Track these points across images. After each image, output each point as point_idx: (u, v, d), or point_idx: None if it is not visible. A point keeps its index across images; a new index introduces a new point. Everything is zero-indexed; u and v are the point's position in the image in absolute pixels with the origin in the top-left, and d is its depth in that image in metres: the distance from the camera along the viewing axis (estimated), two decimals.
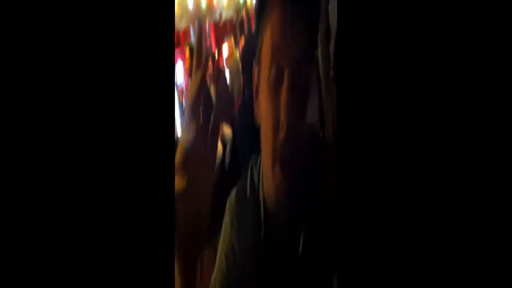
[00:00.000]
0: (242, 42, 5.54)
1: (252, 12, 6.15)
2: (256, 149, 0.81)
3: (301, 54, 0.69)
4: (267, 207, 0.74)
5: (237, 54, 5.40)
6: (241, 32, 5.81)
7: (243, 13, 5.85)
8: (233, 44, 5.61)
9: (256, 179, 0.77)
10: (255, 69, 0.74)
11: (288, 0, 0.70)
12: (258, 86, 0.73)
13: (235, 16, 6.05)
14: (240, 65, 5.20)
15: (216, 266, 0.81)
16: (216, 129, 0.67)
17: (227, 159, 4.07)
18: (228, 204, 0.83)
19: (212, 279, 0.81)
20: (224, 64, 5.47)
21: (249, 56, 5.23)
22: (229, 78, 5.32)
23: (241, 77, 5.08)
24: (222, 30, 5.93)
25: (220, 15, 5.37)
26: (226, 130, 4.29)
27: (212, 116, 0.68)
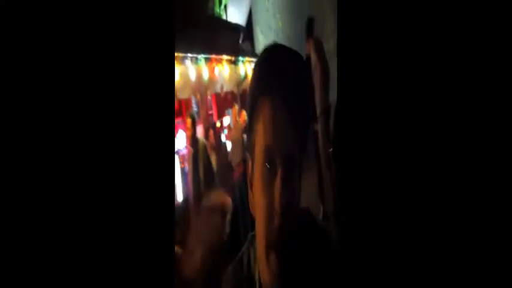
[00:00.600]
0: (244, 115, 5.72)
1: None
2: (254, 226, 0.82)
3: (294, 147, 0.70)
4: None
5: (239, 126, 5.43)
6: (243, 104, 5.97)
7: (246, 86, 6.05)
8: (236, 115, 5.70)
9: (253, 258, 0.78)
10: (249, 161, 0.75)
11: (278, 99, 0.70)
12: (252, 178, 0.74)
13: (236, 88, 6.22)
14: (245, 136, 5.26)
15: None
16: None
17: (227, 230, 4.01)
18: (223, 280, 0.83)
19: None
20: (225, 135, 5.54)
21: None
22: (231, 149, 5.38)
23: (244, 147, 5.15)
24: (223, 101, 6.05)
25: (222, 87, 5.49)
26: (227, 200, 4.26)
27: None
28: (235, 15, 8.75)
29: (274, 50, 0.76)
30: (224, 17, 7.86)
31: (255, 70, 0.76)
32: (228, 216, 4.22)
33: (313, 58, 3.85)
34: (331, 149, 3.35)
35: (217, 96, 5.83)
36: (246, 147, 4.97)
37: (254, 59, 6.89)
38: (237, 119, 5.58)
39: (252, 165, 0.73)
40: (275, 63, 0.73)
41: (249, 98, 0.75)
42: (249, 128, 0.75)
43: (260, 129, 0.71)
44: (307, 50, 3.99)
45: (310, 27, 4.00)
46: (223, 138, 5.30)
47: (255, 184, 0.72)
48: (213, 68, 5.16)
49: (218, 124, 5.41)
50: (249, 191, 0.75)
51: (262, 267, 0.73)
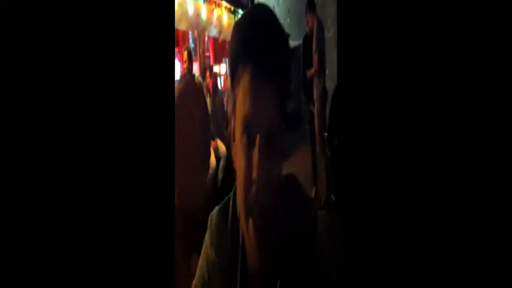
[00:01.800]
0: None
1: None
2: None
3: (273, 119, 0.69)
4: (244, 246, 0.75)
5: None
6: None
7: None
8: None
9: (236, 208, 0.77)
10: (231, 120, 0.74)
11: (257, 70, 0.69)
12: (233, 137, 0.73)
13: None
14: None
15: (197, 271, 0.82)
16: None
17: (220, 176, 4.02)
18: (210, 218, 0.83)
19: (193, 285, 0.82)
20: (222, 83, 5.47)
21: None
22: (227, 100, 5.32)
23: None
24: (221, 48, 5.96)
25: (220, 33, 5.41)
26: (220, 146, 4.25)
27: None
28: None
29: (257, 14, 0.74)
30: None
31: (235, 31, 0.74)
32: (222, 162, 4.25)
33: (314, 38, 3.75)
34: (326, 134, 3.33)
35: (214, 40, 5.74)
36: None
37: None
38: None
39: (233, 126, 0.73)
40: (256, 31, 0.71)
41: (229, 60, 0.73)
42: (231, 88, 0.74)
43: (240, 95, 0.71)
44: (308, 26, 3.88)
45: (312, 3, 3.86)
46: (219, 85, 5.21)
47: (235, 147, 0.72)
48: (212, 10, 5.13)
49: (215, 69, 5.32)
50: (232, 144, 0.75)
51: (242, 227, 0.73)
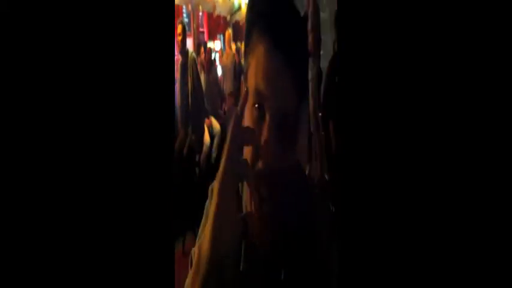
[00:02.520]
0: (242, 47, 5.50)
1: None
2: None
3: (287, 98, 0.67)
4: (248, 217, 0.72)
5: (232, 54, 5.36)
6: (235, 34, 5.75)
7: (238, 18, 5.85)
8: (229, 41, 5.52)
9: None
10: (243, 89, 0.71)
11: (273, 45, 0.67)
12: (242, 109, 0.69)
13: (228, 17, 6.11)
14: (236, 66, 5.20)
15: (197, 242, 0.78)
16: None
17: (214, 154, 3.96)
18: (210, 190, 0.79)
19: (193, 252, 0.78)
20: (217, 59, 5.41)
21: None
22: (222, 74, 5.28)
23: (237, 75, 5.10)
24: (215, 24, 5.89)
25: (214, 8, 5.30)
26: (215, 124, 4.19)
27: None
28: None
29: None
30: None
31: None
32: (216, 140, 4.19)
33: (309, 18, 3.64)
34: (320, 114, 3.32)
35: (209, 15, 5.65)
36: (239, 76, 5.07)
37: None
38: (231, 46, 5.41)
39: (245, 97, 0.69)
40: (271, 6, 0.70)
41: (246, 29, 0.70)
42: (244, 58, 0.72)
43: (252, 67, 0.69)
44: (306, 7, 3.77)
45: None
46: (214, 60, 5.14)
47: (244, 120, 0.69)
48: None
49: (209, 45, 5.22)
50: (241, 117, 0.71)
51: (246, 199, 0.72)
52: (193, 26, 4.81)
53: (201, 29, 5.43)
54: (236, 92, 5.10)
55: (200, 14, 5.32)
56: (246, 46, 0.71)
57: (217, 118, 4.36)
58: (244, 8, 6.21)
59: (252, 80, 0.68)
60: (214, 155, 3.88)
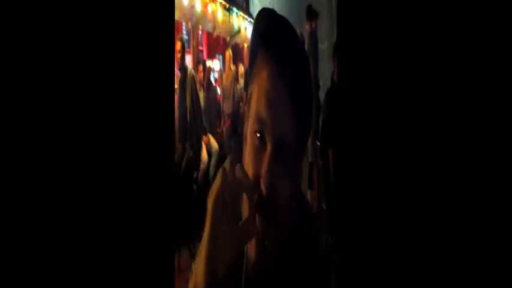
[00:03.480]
0: (242, 68, 5.56)
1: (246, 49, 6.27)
2: None
3: (288, 127, 0.65)
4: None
5: (232, 75, 5.38)
6: (235, 56, 5.81)
7: (238, 40, 5.87)
8: (229, 62, 5.55)
9: None
10: (245, 114, 0.72)
11: (275, 71, 0.66)
12: (245, 134, 0.70)
13: (228, 38, 6.18)
14: (242, 84, 5.23)
15: (198, 257, 0.76)
16: None
17: (211, 172, 3.90)
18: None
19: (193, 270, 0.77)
20: (217, 77, 5.43)
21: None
22: (221, 94, 5.30)
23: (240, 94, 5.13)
24: (215, 44, 5.94)
25: (214, 29, 5.35)
26: (213, 142, 4.15)
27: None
28: None
29: (276, 18, 0.71)
30: None
31: (257, 23, 0.72)
32: (214, 159, 4.15)
33: (307, 49, 3.70)
34: (319, 143, 3.35)
35: (208, 35, 5.69)
36: (238, 99, 5.08)
37: (248, 17, 6.85)
38: (231, 66, 5.43)
39: (246, 122, 0.70)
40: (277, 33, 0.70)
41: (250, 54, 0.71)
42: (249, 83, 0.71)
43: (255, 93, 0.67)
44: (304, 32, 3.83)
45: (311, 13, 3.79)
46: (212, 80, 5.16)
47: (246, 145, 0.69)
48: (207, 4, 5.04)
49: (209, 64, 5.24)
50: (243, 142, 0.71)
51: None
52: (192, 43, 4.85)
53: (200, 48, 5.46)
54: (235, 113, 5.12)
55: (200, 32, 5.35)
56: (250, 71, 0.71)
57: (215, 136, 4.33)
58: (243, 31, 6.30)
59: (254, 106, 0.67)
60: (211, 173, 3.83)
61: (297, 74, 0.67)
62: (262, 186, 0.65)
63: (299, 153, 0.67)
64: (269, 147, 0.65)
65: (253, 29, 0.73)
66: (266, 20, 0.71)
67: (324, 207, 3.47)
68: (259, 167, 0.65)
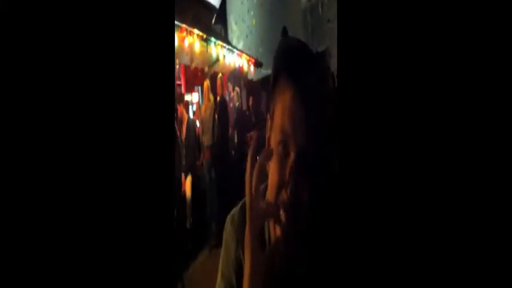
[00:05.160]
0: (217, 99, 5.53)
1: (225, 78, 6.26)
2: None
3: (309, 142, 0.70)
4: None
5: (210, 106, 5.36)
6: (214, 85, 5.77)
7: (217, 69, 5.86)
8: (207, 92, 5.49)
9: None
10: (268, 122, 0.77)
11: (298, 92, 0.71)
12: (269, 139, 0.76)
13: (206, 68, 6.19)
14: (216, 117, 5.22)
15: (220, 271, 0.86)
16: None
17: (189, 220, 3.86)
18: (231, 217, 0.87)
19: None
20: (195, 110, 5.42)
21: (224, 112, 5.27)
22: (200, 126, 5.27)
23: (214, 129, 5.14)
24: (193, 76, 5.93)
25: (192, 61, 5.36)
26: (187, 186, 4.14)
27: None
28: None
29: (292, 44, 0.78)
30: None
31: (276, 52, 0.78)
32: (189, 201, 4.08)
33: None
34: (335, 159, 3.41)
35: (186, 68, 5.69)
36: (223, 126, 5.06)
37: (226, 45, 6.96)
38: (209, 97, 5.40)
39: (269, 134, 0.76)
40: (299, 57, 0.75)
41: (272, 77, 0.76)
42: (271, 99, 0.77)
43: (279, 108, 0.73)
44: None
45: (285, 34, 3.84)
46: (191, 113, 5.13)
47: (272, 152, 0.73)
48: (183, 37, 5.07)
49: (187, 97, 5.23)
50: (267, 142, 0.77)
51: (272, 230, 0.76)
52: None
53: (178, 82, 5.43)
54: (215, 144, 5.09)
55: (177, 67, 5.33)
56: (272, 90, 0.76)
57: (195, 171, 4.29)
58: (222, 59, 6.30)
59: (278, 120, 0.72)
60: (189, 220, 3.79)
61: (316, 90, 0.72)
62: (286, 193, 0.69)
63: (322, 162, 0.70)
64: (292, 156, 0.70)
65: (274, 56, 0.78)
66: (283, 48, 0.77)
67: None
68: (283, 175, 0.70)
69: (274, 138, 0.73)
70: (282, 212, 0.71)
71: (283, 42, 0.79)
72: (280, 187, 0.71)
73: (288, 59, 0.76)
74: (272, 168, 0.73)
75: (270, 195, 0.74)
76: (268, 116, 0.79)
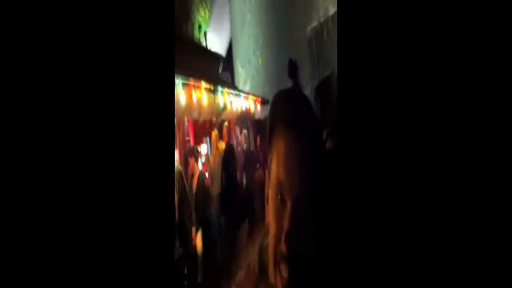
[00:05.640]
0: (223, 145, 5.60)
1: (232, 124, 6.29)
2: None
3: (302, 185, 0.72)
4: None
5: (219, 155, 5.41)
6: (221, 134, 5.90)
7: (224, 116, 5.93)
8: (215, 142, 5.58)
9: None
10: (267, 175, 0.79)
11: (292, 140, 0.74)
12: (267, 196, 0.78)
13: (214, 118, 6.19)
14: (222, 166, 5.26)
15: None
16: None
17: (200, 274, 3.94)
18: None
19: None
20: (204, 161, 5.53)
21: (231, 159, 5.29)
22: (209, 177, 5.35)
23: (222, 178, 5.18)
24: (201, 128, 5.96)
25: (200, 114, 5.42)
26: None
27: None
28: (215, 43, 8.82)
29: (292, 95, 0.81)
30: (204, 44, 7.85)
31: (274, 103, 0.81)
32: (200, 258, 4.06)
33: None
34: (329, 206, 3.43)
35: (194, 123, 5.78)
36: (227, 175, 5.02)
37: (233, 91, 6.53)
38: (218, 146, 5.51)
39: (267, 187, 0.77)
40: (293, 107, 0.78)
41: (268, 127, 0.79)
42: (268, 149, 0.79)
43: (275, 161, 0.75)
44: None
45: (292, 69, 4.02)
46: (200, 165, 5.28)
47: (269, 206, 0.76)
48: (191, 94, 5.03)
49: (196, 150, 5.39)
50: (265, 204, 0.79)
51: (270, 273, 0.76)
52: (178, 137, 4.94)
53: (187, 138, 5.53)
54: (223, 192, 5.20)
55: (186, 124, 5.44)
56: (269, 142, 0.78)
57: (205, 222, 4.40)
58: (229, 106, 6.32)
59: (274, 173, 0.74)
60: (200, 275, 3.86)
61: (309, 137, 0.74)
62: (285, 240, 0.70)
63: (315, 209, 0.71)
64: (288, 205, 0.71)
65: (270, 106, 0.81)
66: (277, 99, 0.79)
67: None
68: (281, 224, 0.71)
69: (271, 190, 0.75)
70: (282, 265, 0.71)
71: (277, 93, 0.81)
72: (279, 239, 0.71)
73: (283, 109, 0.77)
74: (271, 219, 0.74)
75: (270, 247, 0.74)
76: (267, 171, 0.80)
